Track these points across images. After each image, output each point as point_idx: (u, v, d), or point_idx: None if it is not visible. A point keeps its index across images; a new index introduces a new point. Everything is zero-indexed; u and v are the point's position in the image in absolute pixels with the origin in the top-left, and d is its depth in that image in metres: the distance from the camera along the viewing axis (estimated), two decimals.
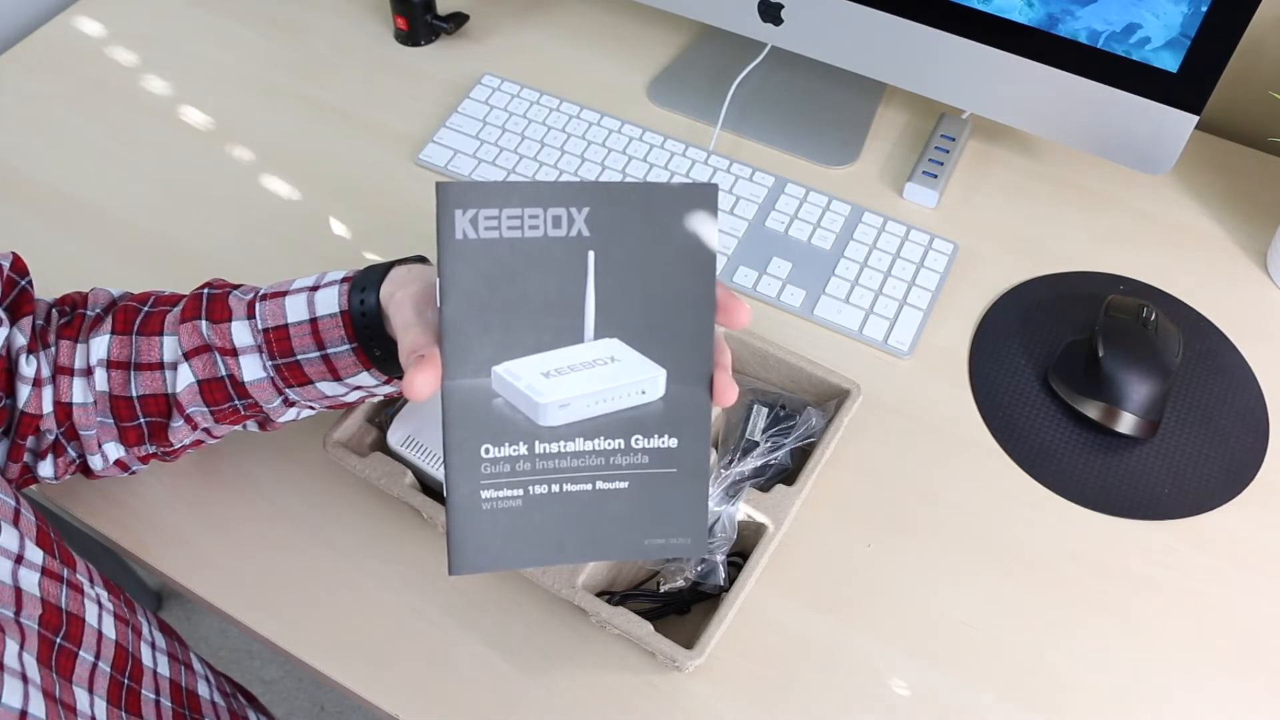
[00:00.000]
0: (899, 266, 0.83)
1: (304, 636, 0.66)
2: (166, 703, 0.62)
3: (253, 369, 0.58)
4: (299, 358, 0.57)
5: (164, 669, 0.63)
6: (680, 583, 0.64)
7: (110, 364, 0.59)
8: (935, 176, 0.87)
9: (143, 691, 0.60)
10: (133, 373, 0.59)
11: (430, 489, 0.68)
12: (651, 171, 0.89)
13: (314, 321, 0.57)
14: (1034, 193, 0.89)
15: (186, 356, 0.58)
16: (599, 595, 0.63)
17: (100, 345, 0.59)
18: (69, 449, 0.61)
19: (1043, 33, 0.75)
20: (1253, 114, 0.93)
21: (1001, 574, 0.68)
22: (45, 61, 1.00)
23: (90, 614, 0.56)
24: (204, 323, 0.58)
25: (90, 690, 0.55)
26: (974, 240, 0.85)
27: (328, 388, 0.59)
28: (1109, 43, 0.73)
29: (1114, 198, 0.89)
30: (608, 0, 1.04)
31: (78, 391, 0.59)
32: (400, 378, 0.58)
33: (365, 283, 0.56)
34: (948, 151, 0.89)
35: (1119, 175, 0.89)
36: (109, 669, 0.57)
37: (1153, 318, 0.74)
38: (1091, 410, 0.73)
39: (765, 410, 0.71)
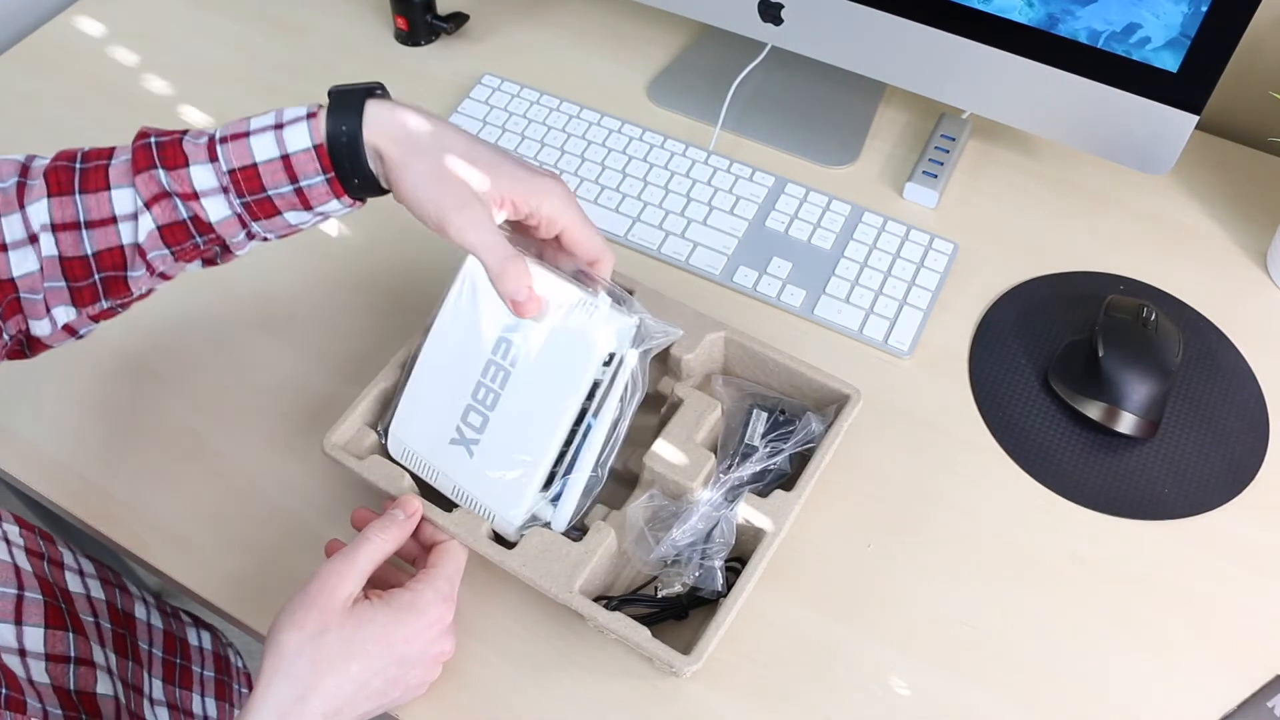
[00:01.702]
0: (899, 266, 0.83)
1: None
2: (105, 624, 0.65)
3: (218, 209, 0.59)
4: (270, 193, 0.59)
5: (97, 592, 0.67)
6: (678, 588, 0.64)
7: (56, 227, 0.59)
8: (935, 176, 0.87)
9: (80, 615, 0.62)
10: (84, 231, 0.59)
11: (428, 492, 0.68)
12: (652, 171, 0.89)
13: (286, 158, 0.58)
14: (1034, 193, 0.89)
15: (147, 205, 0.58)
16: (597, 600, 0.63)
17: (39, 211, 0.59)
18: (3, 330, 0.61)
19: (1043, 33, 0.75)
20: (1253, 114, 0.93)
21: (1001, 574, 0.68)
22: (45, 61, 1.00)
23: None
24: (160, 171, 0.58)
25: (18, 622, 0.58)
26: (974, 240, 0.85)
27: (295, 217, 0.61)
28: (1109, 43, 0.73)
29: (1114, 198, 0.89)
30: (608, 0, 1.04)
31: (18, 263, 0.59)
32: (362, 200, 0.62)
33: (341, 116, 0.58)
34: (948, 151, 0.89)
35: (1119, 175, 0.89)
36: (39, 595, 0.60)
37: (1153, 318, 0.74)
38: (1091, 410, 0.73)
39: (764, 415, 0.71)
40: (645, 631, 0.60)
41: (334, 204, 0.61)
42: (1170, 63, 0.72)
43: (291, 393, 0.77)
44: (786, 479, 0.68)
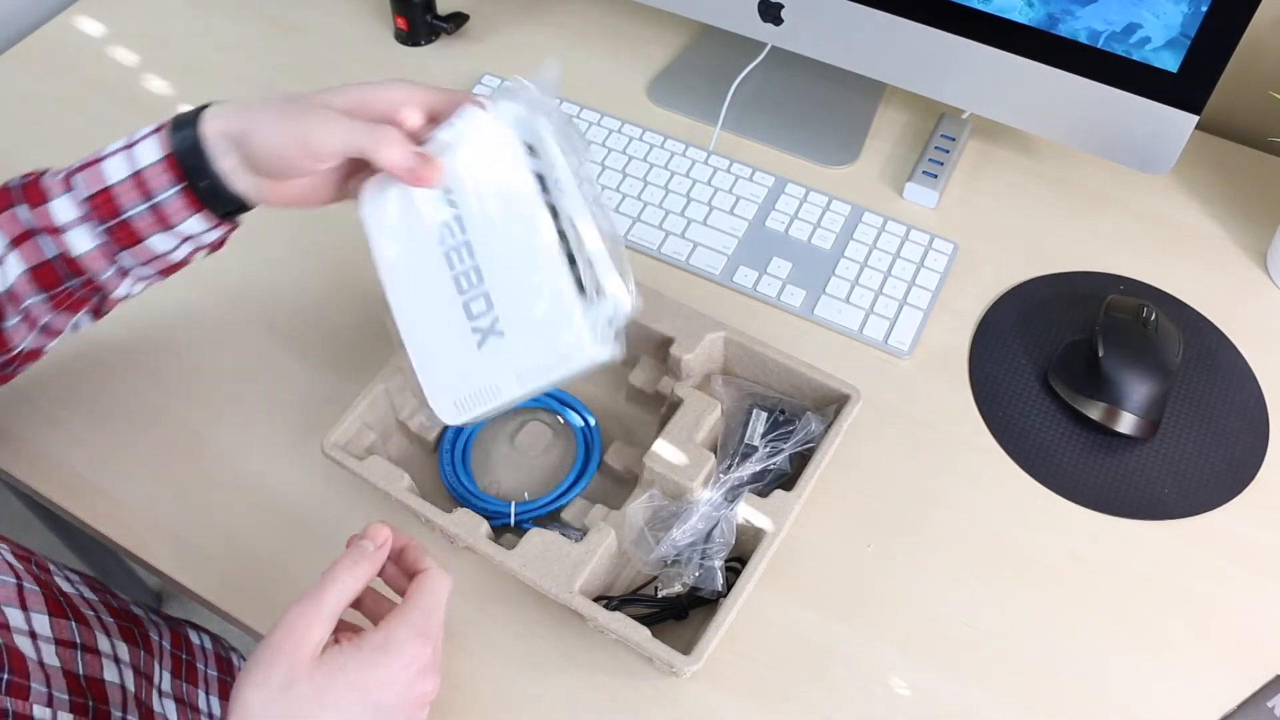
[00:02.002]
0: (899, 266, 0.83)
1: None
2: (107, 618, 0.67)
3: (82, 241, 0.58)
4: (127, 214, 0.58)
5: (90, 594, 0.67)
6: (678, 588, 0.64)
7: None
8: (935, 176, 0.87)
9: (80, 609, 0.63)
10: None
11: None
12: (652, 171, 0.88)
13: (138, 174, 0.58)
14: (1034, 193, 0.89)
15: (12, 245, 0.58)
16: (597, 600, 0.63)
17: None
18: None
19: (1043, 32, 0.75)
20: (1253, 114, 0.93)
21: (1001, 574, 0.68)
22: (45, 61, 1.00)
23: None
24: (21, 208, 0.58)
25: (24, 608, 0.57)
26: (974, 240, 0.85)
27: (160, 242, 0.59)
28: (1109, 43, 0.73)
29: (1114, 198, 0.89)
30: (608, 0, 1.04)
31: None
32: (228, 217, 0.61)
33: (180, 124, 0.58)
34: (948, 151, 0.89)
35: (1119, 175, 0.89)
36: (37, 589, 0.60)
37: (1153, 318, 0.74)
38: (1091, 410, 0.73)
39: (764, 415, 0.71)
40: (645, 631, 0.60)
41: (194, 222, 0.59)
42: (1170, 63, 0.72)
43: (291, 393, 0.77)
44: (786, 479, 0.68)
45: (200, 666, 0.75)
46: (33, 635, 0.59)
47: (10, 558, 0.61)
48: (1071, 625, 0.66)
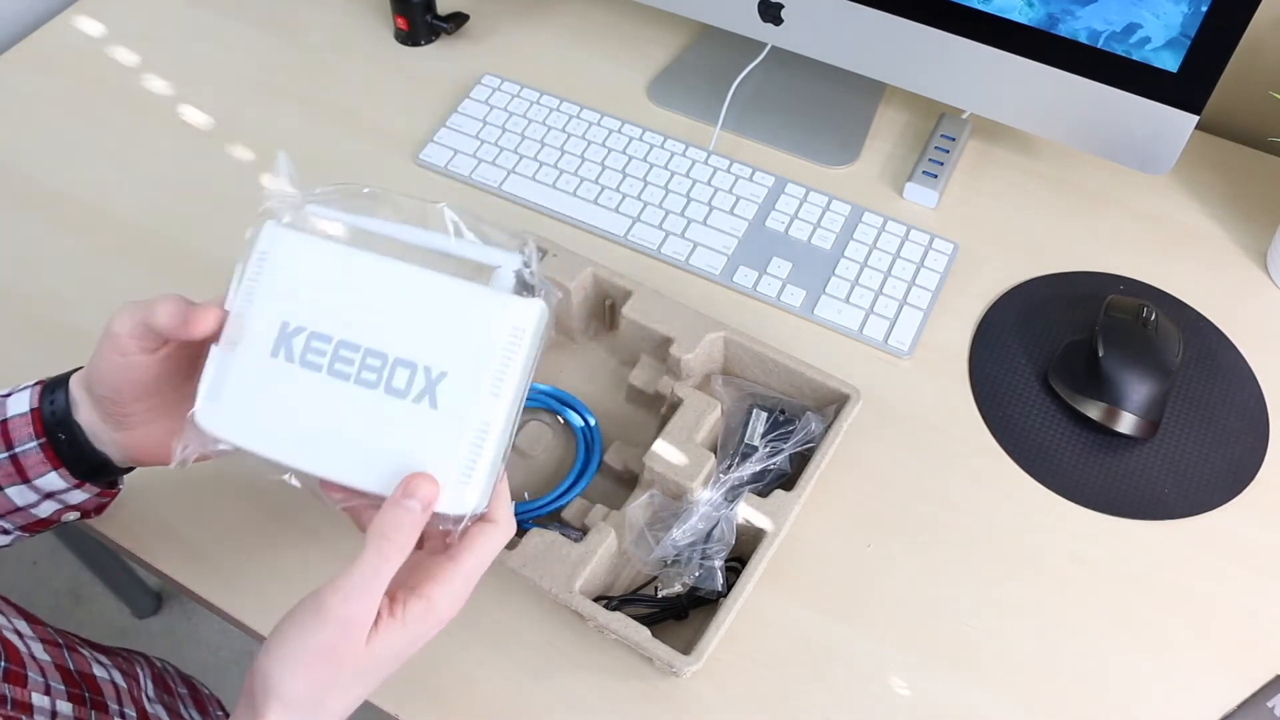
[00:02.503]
0: (899, 266, 0.83)
1: None
2: (83, 650, 0.64)
3: None
4: None
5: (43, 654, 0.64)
6: (678, 588, 0.64)
7: None
8: (935, 176, 0.87)
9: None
10: None
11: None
12: (652, 171, 0.89)
13: (3, 423, 0.57)
14: (1034, 193, 0.89)
15: None
16: (597, 600, 0.63)
17: None
18: None
19: (1043, 32, 0.75)
20: (1253, 114, 0.93)
21: (1001, 574, 0.68)
22: (45, 61, 1.00)
23: None
24: None
25: (11, 608, 0.56)
26: (974, 240, 0.85)
27: (17, 494, 0.58)
28: (1109, 42, 0.73)
29: (1114, 198, 0.89)
30: (608, 0, 1.04)
31: None
32: (93, 480, 0.59)
33: (55, 383, 0.57)
34: (948, 151, 0.89)
35: (1119, 175, 0.89)
36: (12, 605, 0.60)
37: (1153, 318, 0.74)
38: (1091, 410, 0.73)
39: (764, 415, 0.71)
40: (645, 631, 0.60)
41: (54, 477, 0.57)
42: (1170, 63, 0.72)
43: None
44: (786, 479, 0.68)
45: (172, 685, 0.76)
46: (19, 634, 0.59)
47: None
48: (1071, 625, 0.66)
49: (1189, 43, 0.70)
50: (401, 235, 0.52)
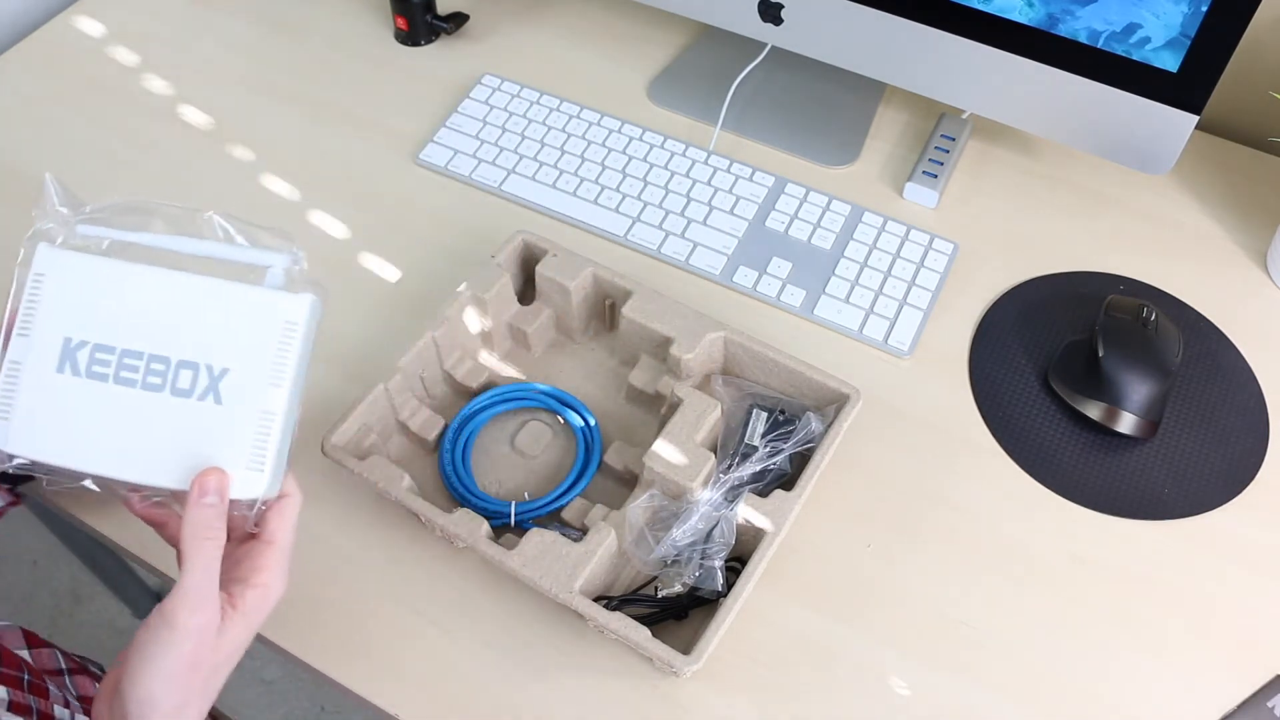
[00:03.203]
0: (899, 266, 0.83)
1: (304, 637, 0.66)
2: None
3: None
4: None
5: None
6: (678, 588, 0.64)
7: None
8: (935, 176, 0.87)
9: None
10: None
11: None
12: (652, 171, 0.88)
13: None
14: (1034, 193, 0.89)
15: None
16: (597, 600, 0.63)
17: None
18: None
19: (1043, 33, 0.75)
20: (1253, 114, 0.93)
21: (1001, 574, 0.68)
22: (45, 61, 1.00)
23: None
24: None
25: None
26: (974, 240, 0.85)
27: None
28: (1109, 43, 0.73)
29: (1114, 198, 0.89)
30: (608, 0, 1.04)
31: None
32: None
33: None
34: (948, 151, 0.89)
35: (1119, 175, 0.89)
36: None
37: (1153, 318, 0.74)
38: (1091, 410, 0.73)
39: (764, 415, 0.71)
40: (645, 631, 0.60)
41: None
42: (1170, 63, 0.72)
43: None
44: (786, 479, 0.68)
45: None
46: (24, 663, 0.59)
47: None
48: (1071, 625, 0.66)
49: (1189, 43, 0.70)
50: (174, 246, 0.54)
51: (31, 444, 0.52)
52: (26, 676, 0.57)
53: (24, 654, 0.64)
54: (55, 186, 0.55)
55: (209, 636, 0.49)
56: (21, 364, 0.52)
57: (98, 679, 0.71)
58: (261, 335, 0.53)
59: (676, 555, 0.65)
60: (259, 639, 0.67)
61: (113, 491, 0.54)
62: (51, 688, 0.59)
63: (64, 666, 0.68)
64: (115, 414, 0.52)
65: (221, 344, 0.52)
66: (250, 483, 0.52)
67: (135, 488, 0.54)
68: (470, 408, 0.73)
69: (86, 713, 0.61)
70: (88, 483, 0.54)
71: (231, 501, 0.51)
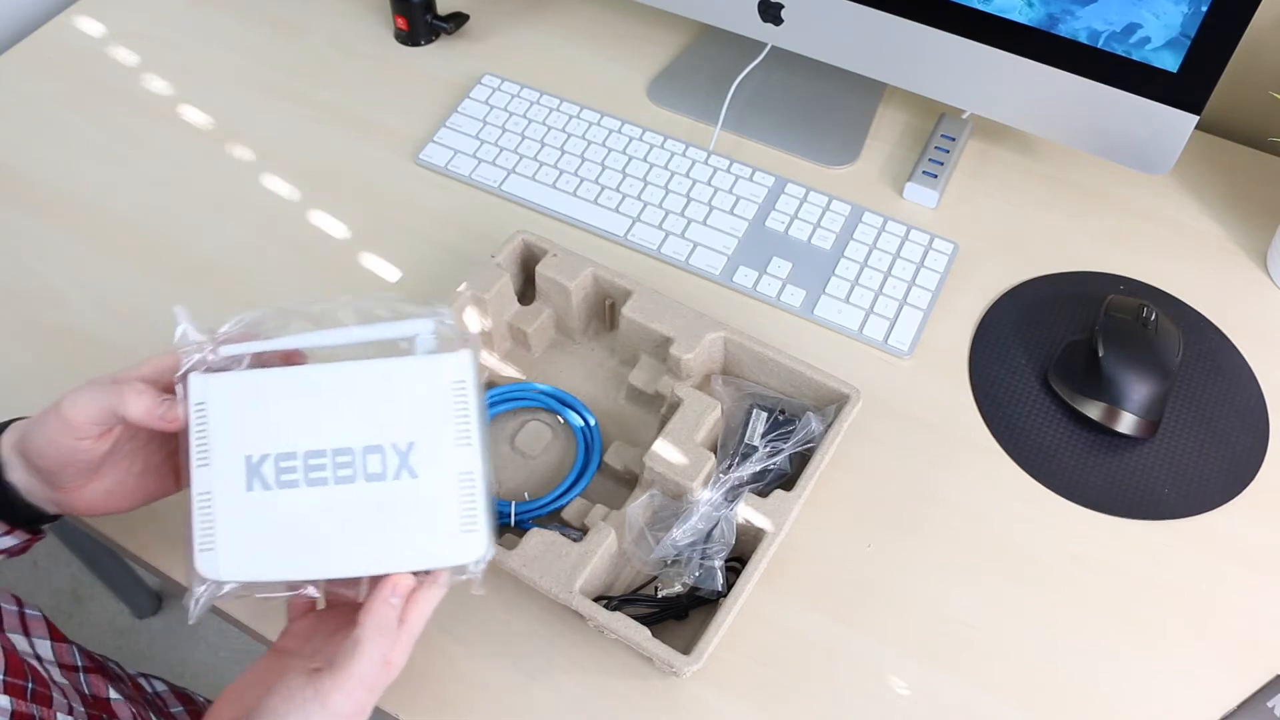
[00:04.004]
0: (899, 266, 0.83)
1: None
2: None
3: None
4: None
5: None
6: (678, 588, 0.64)
7: None
8: (935, 176, 0.87)
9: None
10: None
11: None
12: (652, 171, 0.88)
13: None
14: (1034, 193, 0.89)
15: None
16: (597, 600, 0.63)
17: None
18: None
19: (1043, 33, 0.75)
20: (1253, 114, 0.93)
21: (1002, 574, 0.68)
22: (45, 61, 1.00)
23: None
24: None
25: (27, 635, 0.58)
26: (974, 240, 0.85)
27: None
28: (1109, 43, 0.73)
29: (1114, 198, 0.89)
30: (608, 0, 1.04)
31: None
32: (25, 526, 0.59)
33: None
34: (948, 151, 0.89)
35: (1119, 175, 0.89)
36: (39, 614, 0.60)
37: (1153, 318, 0.74)
38: (1091, 410, 0.73)
39: (764, 415, 0.71)
40: (645, 631, 0.60)
41: None
42: (1170, 63, 0.72)
43: None
44: (786, 479, 0.68)
45: (163, 706, 0.76)
46: (38, 659, 0.59)
47: (9, 603, 0.62)
48: (1071, 625, 0.66)
49: (1189, 43, 0.70)
50: (319, 341, 0.55)
51: (243, 568, 0.53)
52: (31, 685, 0.57)
53: (45, 645, 0.64)
54: (187, 319, 0.55)
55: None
56: (211, 493, 0.53)
57: (111, 679, 0.71)
58: (435, 401, 0.53)
59: (676, 555, 0.65)
60: (258, 639, 0.67)
61: (330, 590, 0.55)
62: (55, 695, 0.59)
63: (80, 664, 0.68)
64: (318, 515, 0.52)
65: (399, 420, 0.53)
66: (469, 545, 0.52)
67: (352, 583, 0.54)
68: None
69: (92, 714, 0.61)
70: (308, 589, 0.54)
71: (452, 570, 0.52)
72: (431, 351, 0.54)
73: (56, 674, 0.60)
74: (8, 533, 0.59)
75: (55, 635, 0.63)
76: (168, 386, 0.55)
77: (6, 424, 0.58)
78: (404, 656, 0.53)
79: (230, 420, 0.53)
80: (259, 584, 0.53)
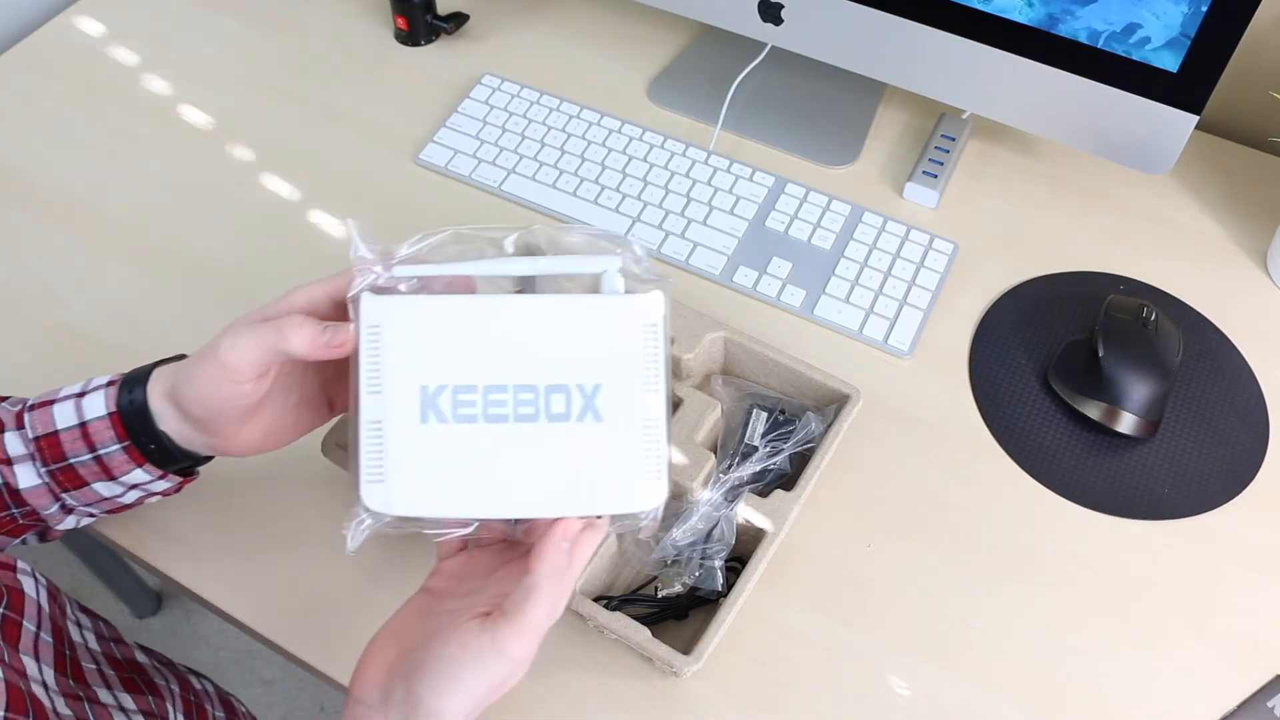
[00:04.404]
0: (899, 266, 0.83)
1: (304, 636, 0.66)
2: (109, 671, 0.64)
3: (27, 476, 0.58)
4: (71, 461, 0.57)
5: (94, 644, 0.66)
6: (678, 588, 0.64)
7: None
8: (935, 176, 0.87)
9: (83, 663, 0.62)
10: None
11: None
12: (652, 171, 0.88)
13: (83, 425, 0.57)
14: (1034, 193, 0.89)
15: None
16: (597, 600, 0.63)
17: None
18: None
19: (1043, 33, 0.75)
20: (1253, 114, 0.93)
21: (1001, 574, 0.68)
22: (45, 61, 1.00)
23: (28, 586, 0.58)
24: None
25: (37, 659, 0.57)
26: (974, 240, 0.85)
27: (104, 488, 0.59)
28: (1109, 43, 0.73)
29: (1114, 198, 0.89)
30: (608, 0, 1.04)
31: None
32: (177, 471, 0.59)
33: (131, 382, 0.57)
34: (948, 151, 0.89)
35: (1119, 175, 0.89)
36: (50, 639, 0.59)
37: (1153, 318, 0.74)
38: (1091, 410, 0.73)
39: (764, 415, 0.71)
40: (645, 631, 0.60)
41: (139, 473, 0.58)
42: (1170, 63, 0.72)
43: None
44: (786, 479, 0.68)
45: (208, 709, 0.75)
46: (45, 686, 0.59)
47: (44, 600, 0.62)
48: (1071, 625, 0.66)
49: (1189, 43, 0.70)
50: (501, 269, 0.52)
51: (413, 502, 0.50)
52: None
53: (50, 673, 0.64)
54: (360, 232, 0.52)
55: (520, 670, 0.49)
56: (382, 423, 0.50)
57: (136, 691, 0.71)
58: (625, 342, 0.50)
59: (676, 555, 0.65)
60: (259, 639, 0.67)
61: (496, 530, 0.53)
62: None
63: (80, 690, 0.68)
64: (495, 454, 0.50)
65: (585, 360, 0.50)
66: (651, 493, 0.50)
67: (524, 523, 0.52)
68: None
69: None
70: (474, 528, 0.52)
71: (623, 516, 0.50)
72: (619, 290, 0.51)
73: (60, 705, 0.59)
74: (161, 477, 0.59)
75: (59, 665, 0.63)
76: (324, 316, 0.52)
77: (151, 369, 0.57)
78: (565, 601, 0.50)
79: (406, 346, 0.50)
80: (425, 520, 0.51)
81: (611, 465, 0.50)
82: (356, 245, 0.52)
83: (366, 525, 0.50)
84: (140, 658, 0.71)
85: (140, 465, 0.58)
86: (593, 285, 0.51)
